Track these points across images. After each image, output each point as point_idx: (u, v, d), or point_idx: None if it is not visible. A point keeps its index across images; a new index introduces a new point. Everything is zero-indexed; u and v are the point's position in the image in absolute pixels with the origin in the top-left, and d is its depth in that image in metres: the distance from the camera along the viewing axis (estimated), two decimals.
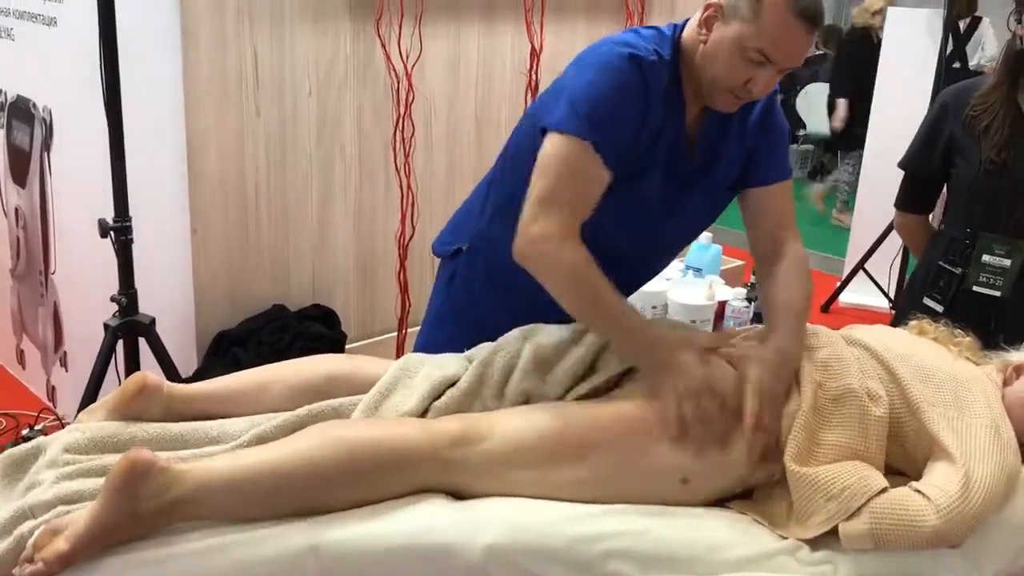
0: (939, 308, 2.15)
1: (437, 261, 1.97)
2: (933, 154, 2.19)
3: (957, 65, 4.41)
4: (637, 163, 1.64)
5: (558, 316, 1.62)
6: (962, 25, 5.13)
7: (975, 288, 2.12)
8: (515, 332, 1.65)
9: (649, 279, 1.98)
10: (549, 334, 1.64)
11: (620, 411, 1.51)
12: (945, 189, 2.27)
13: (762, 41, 1.51)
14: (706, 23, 1.58)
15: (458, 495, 1.43)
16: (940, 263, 2.19)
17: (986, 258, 2.11)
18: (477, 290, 1.85)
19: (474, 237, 1.85)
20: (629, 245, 1.75)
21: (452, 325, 1.87)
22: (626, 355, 1.58)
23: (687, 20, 1.67)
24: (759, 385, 1.52)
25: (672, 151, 1.67)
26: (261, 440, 1.46)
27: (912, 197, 2.33)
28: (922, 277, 2.26)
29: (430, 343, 1.89)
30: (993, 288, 2.10)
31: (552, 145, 1.57)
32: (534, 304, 1.63)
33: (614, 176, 1.60)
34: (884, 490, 1.42)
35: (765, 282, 1.74)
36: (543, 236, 1.54)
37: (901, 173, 2.34)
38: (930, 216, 2.38)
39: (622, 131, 1.58)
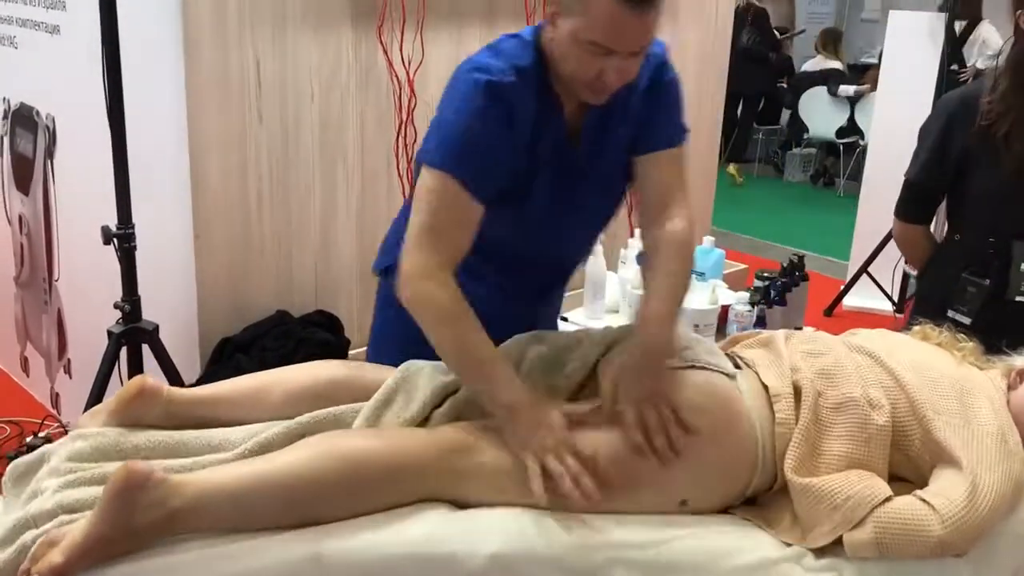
0: (966, 320, 2.09)
1: None
2: (945, 167, 2.14)
3: (954, 67, 4.41)
4: (524, 174, 1.62)
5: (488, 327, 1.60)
6: (958, 28, 5.13)
7: (1018, 299, 2.06)
8: (517, 338, 1.65)
9: (573, 270, 1.93)
10: (551, 340, 1.64)
11: (618, 430, 1.48)
12: (946, 199, 2.22)
13: (594, 33, 1.47)
14: (551, 20, 1.54)
15: (460, 504, 1.42)
16: (965, 275, 2.13)
17: None
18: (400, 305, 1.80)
19: (398, 252, 1.81)
20: (538, 249, 1.75)
21: (395, 345, 1.77)
22: (488, 405, 1.51)
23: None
24: (632, 396, 1.48)
25: (557, 150, 1.65)
26: (263, 448, 1.46)
27: (917, 208, 2.28)
28: (941, 290, 2.20)
29: (377, 356, 1.86)
30: None
31: (424, 179, 1.55)
32: None
33: (506, 191, 1.59)
34: (888, 499, 1.42)
35: (645, 261, 1.70)
36: (412, 272, 1.52)
37: (903, 176, 2.30)
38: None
39: (493, 159, 1.55)
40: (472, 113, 1.54)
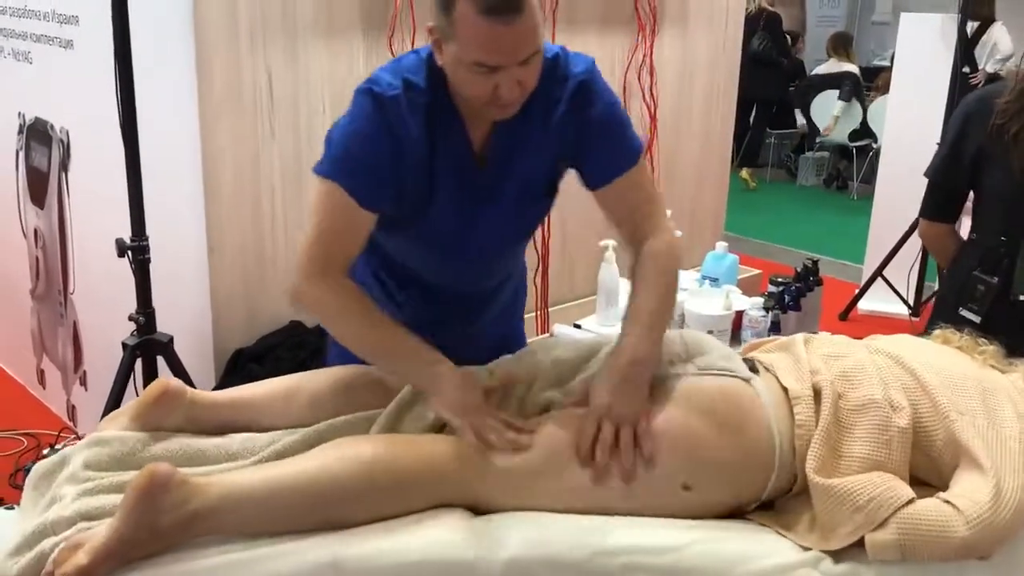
0: (976, 319, 2.10)
1: None
2: (960, 166, 2.15)
3: (966, 70, 4.39)
4: (424, 193, 1.61)
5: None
6: (970, 30, 5.11)
7: (1022, 298, 2.07)
8: (536, 344, 1.66)
9: (497, 293, 1.89)
10: (570, 346, 1.65)
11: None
12: (972, 197, 2.23)
13: (471, 53, 1.43)
14: (436, 47, 1.51)
15: (477, 509, 1.43)
16: (976, 273, 2.14)
17: None
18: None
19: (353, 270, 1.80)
20: (451, 273, 1.75)
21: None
22: (412, 380, 1.56)
23: None
24: (597, 406, 1.49)
25: (460, 171, 1.62)
26: (280, 456, 1.47)
27: (939, 207, 2.29)
28: (956, 288, 2.21)
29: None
30: None
31: (316, 188, 1.57)
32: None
33: (407, 211, 1.60)
34: (911, 500, 1.41)
35: (630, 279, 1.67)
36: (302, 276, 1.56)
37: (916, 178, 2.31)
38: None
39: (377, 169, 1.54)
40: (356, 124, 1.55)
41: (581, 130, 1.62)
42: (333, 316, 1.57)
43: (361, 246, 1.59)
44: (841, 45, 7.80)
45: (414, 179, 1.58)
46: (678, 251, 1.69)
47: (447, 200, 1.63)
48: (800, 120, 8.18)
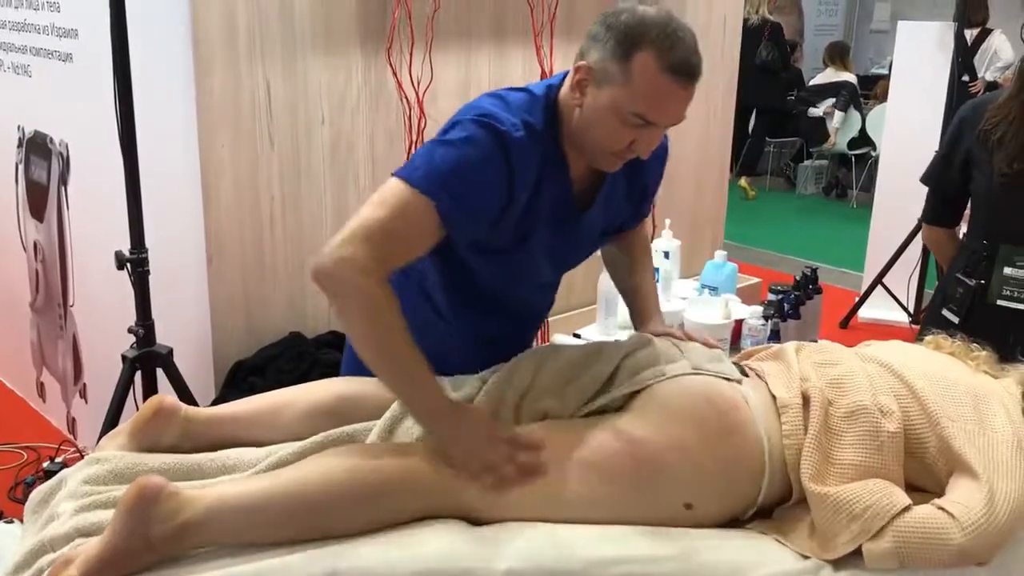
0: (955, 320, 2.14)
1: None
2: (952, 168, 2.20)
3: (965, 78, 4.40)
4: (517, 231, 1.59)
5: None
6: (969, 37, 5.13)
7: (999, 302, 2.09)
8: (529, 352, 1.66)
9: (539, 323, 1.95)
10: (564, 355, 1.64)
11: (623, 435, 1.49)
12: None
13: (638, 105, 1.43)
14: (579, 87, 1.49)
15: (472, 519, 1.42)
16: (957, 275, 2.18)
17: (1008, 271, 2.09)
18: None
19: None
20: (520, 298, 1.77)
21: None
22: (412, 408, 1.50)
23: (563, 76, 1.58)
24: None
25: (558, 214, 1.61)
26: (276, 468, 1.47)
27: (937, 211, 2.34)
28: (943, 289, 2.26)
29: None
30: (1017, 301, 2.08)
31: (396, 188, 1.47)
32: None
33: (495, 241, 1.57)
34: (908, 508, 1.41)
35: (613, 265, 1.91)
36: (355, 263, 1.42)
37: (916, 186, 2.34)
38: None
39: (479, 204, 1.50)
40: (472, 153, 1.47)
41: (651, 182, 1.79)
42: (367, 314, 1.43)
43: (410, 262, 1.52)
44: (838, 54, 7.81)
45: (515, 216, 1.56)
46: (646, 228, 1.94)
47: (543, 238, 1.63)
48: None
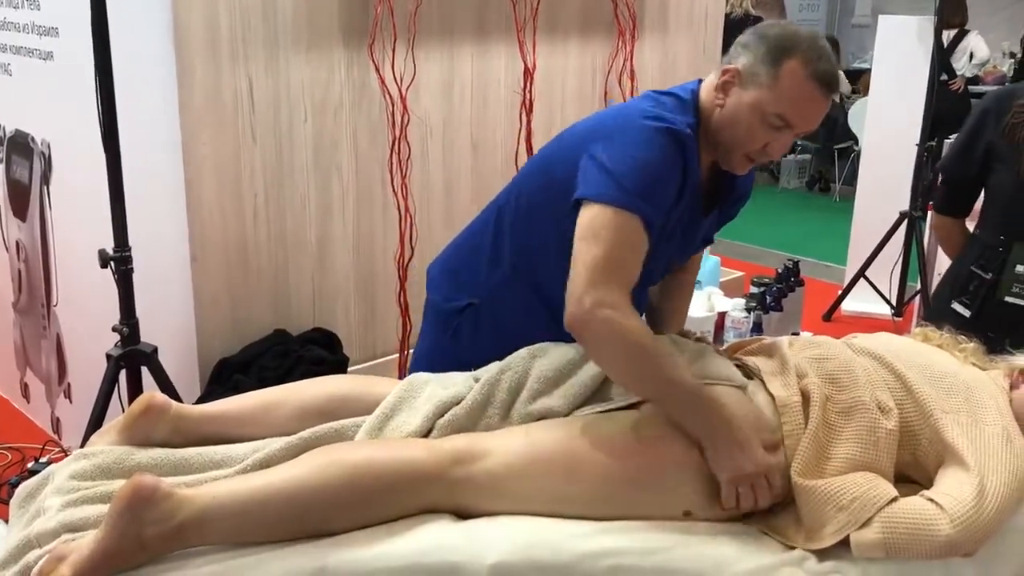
0: (966, 313, 2.13)
1: None
2: (971, 159, 2.18)
3: (944, 77, 4.44)
4: (666, 227, 1.65)
5: None
6: (946, 38, 5.18)
7: (1007, 299, 2.09)
8: (523, 351, 1.65)
9: None
10: (557, 354, 1.64)
11: (620, 435, 1.50)
12: (983, 194, 2.26)
13: (782, 107, 1.53)
14: (723, 88, 1.60)
15: (462, 514, 1.43)
16: (972, 268, 2.16)
17: (1020, 268, 2.08)
18: (485, 344, 1.77)
19: (486, 291, 1.80)
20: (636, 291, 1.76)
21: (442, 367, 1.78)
22: (693, 428, 1.50)
23: (700, 81, 1.70)
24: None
25: (690, 210, 1.69)
26: (264, 464, 1.47)
27: (950, 201, 2.32)
28: (952, 281, 2.24)
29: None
30: None
31: (601, 215, 1.54)
32: None
33: (653, 240, 1.61)
34: (895, 499, 1.42)
35: (662, 293, 1.90)
36: (603, 303, 1.48)
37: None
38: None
39: (664, 204, 1.59)
40: (654, 155, 1.56)
41: (726, 218, 1.85)
42: (629, 351, 1.50)
43: (639, 275, 1.58)
44: None
45: (674, 215, 1.64)
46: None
47: (677, 237, 1.71)
48: None
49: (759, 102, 1.55)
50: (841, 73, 7.68)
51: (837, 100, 7.33)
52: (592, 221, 1.54)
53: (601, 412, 1.57)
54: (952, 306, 2.17)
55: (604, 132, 1.62)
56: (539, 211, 1.69)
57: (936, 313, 2.17)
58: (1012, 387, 1.65)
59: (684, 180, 1.60)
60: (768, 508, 1.53)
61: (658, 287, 1.90)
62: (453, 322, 1.84)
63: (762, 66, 1.55)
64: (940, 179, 2.35)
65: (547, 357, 1.63)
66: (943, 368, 1.61)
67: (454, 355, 1.81)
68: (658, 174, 1.57)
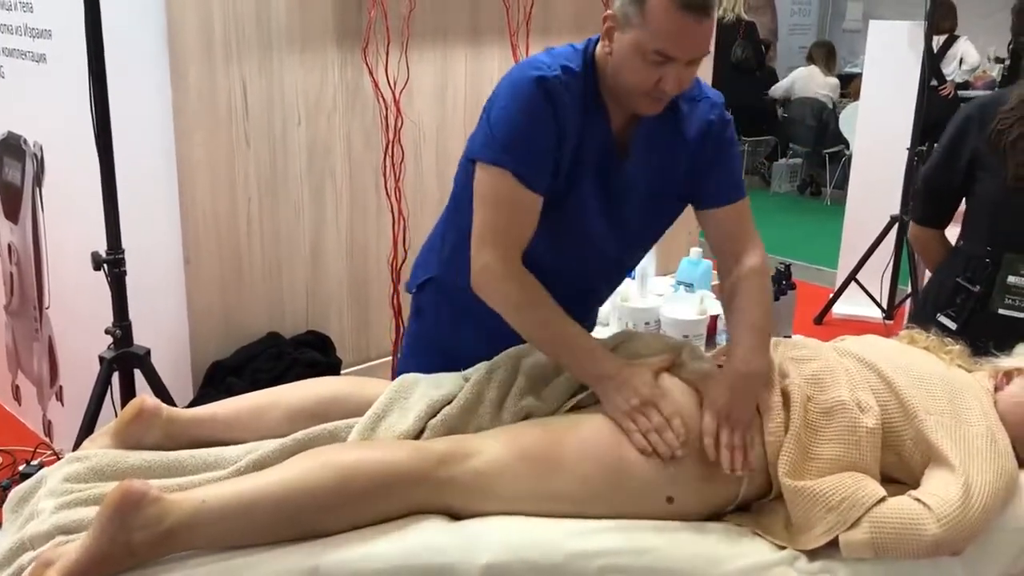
0: (952, 326, 2.09)
1: None
2: (955, 168, 2.13)
3: (934, 83, 4.45)
4: (566, 180, 1.66)
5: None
6: (936, 44, 5.21)
7: (1000, 311, 2.06)
8: (512, 351, 1.67)
9: (600, 301, 1.99)
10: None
11: (599, 427, 1.52)
12: (964, 204, 2.21)
13: (656, 42, 1.52)
14: (607, 34, 1.60)
15: (453, 515, 1.43)
16: (958, 280, 2.12)
17: (1012, 279, 2.04)
18: (444, 319, 1.87)
19: (437, 268, 1.86)
20: (574, 265, 1.76)
21: (426, 355, 1.87)
22: (580, 378, 1.61)
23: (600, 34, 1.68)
24: (717, 405, 1.53)
25: (601, 161, 1.68)
26: (258, 465, 1.47)
27: (929, 211, 2.27)
28: (935, 293, 2.20)
29: (406, 366, 1.89)
30: (1018, 310, 2.04)
31: (480, 174, 1.62)
32: (503, 327, 1.65)
33: (547, 197, 1.63)
34: (883, 499, 1.43)
35: (726, 297, 1.75)
36: (485, 268, 1.60)
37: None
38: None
39: (538, 153, 1.60)
40: (518, 105, 1.59)
41: (716, 148, 1.73)
42: (515, 309, 1.61)
43: (533, 229, 1.63)
44: (823, 55, 7.81)
45: (563, 164, 1.64)
46: (767, 268, 1.78)
47: (589, 188, 1.69)
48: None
49: (636, 42, 1.53)
50: (834, 79, 7.73)
51: (829, 106, 7.37)
52: (477, 183, 1.63)
53: (586, 409, 1.59)
54: (938, 319, 2.13)
55: (496, 87, 1.66)
56: (466, 183, 1.71)
57: (920, 324, 2.14)
58: (996, 388, 1.67)
59: (559, 125, 1.60)
60: (758, 509, 1.55)
61: (725, 288, 1.76)
62: (416, 301, 1.93)
63: (630, 6, 1.53)
64: (919, 189, 2.30)
65: (535, 355, 1.65)
66: (928, 370, 1.63)
67: (421, 332, 1.92)
68: (521, 123, 1.58)
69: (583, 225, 1.72)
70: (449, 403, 1.57)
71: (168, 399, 2.34)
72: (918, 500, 1.43)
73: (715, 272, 3.50)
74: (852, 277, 4.51)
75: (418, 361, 1.85)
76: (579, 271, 1.78)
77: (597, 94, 1.65)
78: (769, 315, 1.72)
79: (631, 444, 1.48)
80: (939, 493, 1.43)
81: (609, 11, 1.58)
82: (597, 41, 1.67)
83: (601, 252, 1.79)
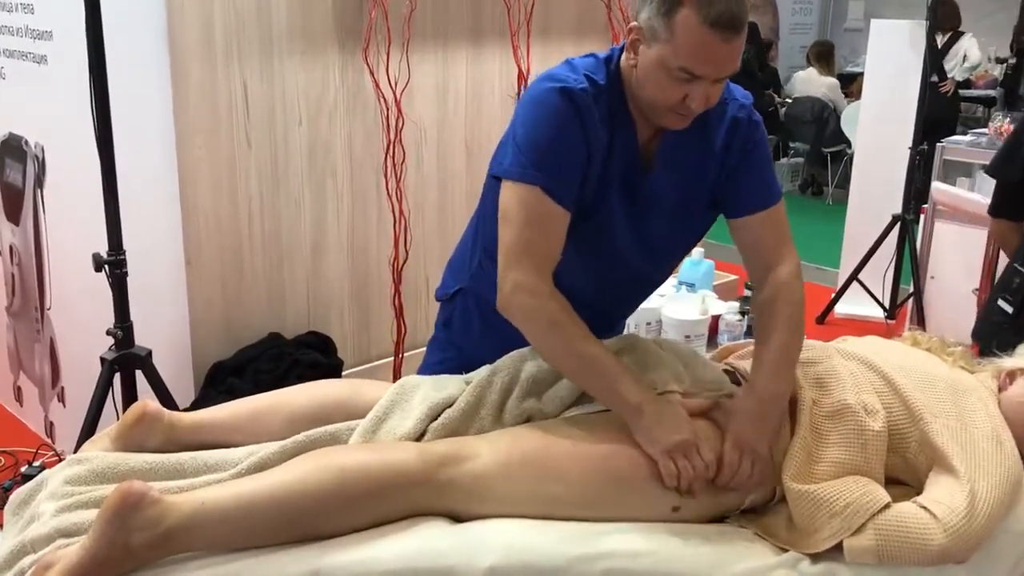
0: (1009, 309, 2.14)
1: (432, 285, 1.97)
2: (1016, 161, 2.21)
3: (935, 78, 4.45)
4: (593, 194, 1.62)
5: None
6: (940, 41, 5.20)
7: None
8: (514, 354, 1.66)
9: (625, 317, 1.94)
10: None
11: (608, 436, 1.50)
12: None
13: (682, 59, 1.47)
14: (632, 47, 1.55)
15: (454, 517, 1.43)
16: (1016, 266, 2.19)
17: None
18: (475, 330, 1.83)
19: (468, 278, 1.83)
20: (601, 282, 1.72)
21: (453, 364, 1.82)
22: (608, 404, 1.55)
23: (624, 44, 1.64)
24: (740, 441, 1.51)
25: (627, 174, 1.64)
26: (259, 468, 1.46)
27: (1002, 203, 2.34)
28: (1002, 280, 2.27)
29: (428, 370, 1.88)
30: None
31: (507, 193, 1.57)
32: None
33: (574, 212, 1.58)
34: (888, 506, 1.42)
35: (756, 310, 1.71)
36: (516, 287, 1.53)
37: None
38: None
39: (568, 167, 1.56)
40: (547, 120, 1.55)
41: (743, 155, 1.67)
42: (542, 331, 1.54)
43: (562, 246, 1.57)
44: (823, 56, 7.80)
45: (591, 178, 1.60)
46: (800, 281, 1.69)
47: (616, 202, 1.65)
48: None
49: (662, 58, 1.48)
50: (834, 79, 7.72)
51: (831, 107, 7.36)
52: (503, 200, 1.57)
53: (588, 413, 1.58)
54: (998, 303, 2.19)
55: (520, 101, 1.62)
56: (493, 196, 1.67)
57: (986, 310, 2.19)
58: (1000, 389, 1.66)
59: (588, 138, 1.56)
60: (762, 510, 1.54)
61: (756, 303, 1.71)
62: (446, 311, 1.89)
63: (658, 19, 1.47)
64: (995, 184, 2.37)
65: (537, 359, 1.64)
66: (931, 372, 1.62)
67: (448, 341, 1.88)
68: (550, 137, 1.54)
69: (610, 240, 1.68)
70: (451, 406, 1.56)
71: (169, 400, 2.34)
72: (924, 508, 1.42)
73: (718, 273, 3.51)
74: (854, 277, 4.51)
75: (444, 369, 1.80)
76: (605, 288, 1.74)
77: (624, 106, 1.61)
78: (796, 332, 1.64)
79: (648, 466, 1.46)
80: (945, 501, 1.42)
81: (635, 23, 1.54)
82: (622, 50, 1.62)
83: (628, 266, 1.73)
